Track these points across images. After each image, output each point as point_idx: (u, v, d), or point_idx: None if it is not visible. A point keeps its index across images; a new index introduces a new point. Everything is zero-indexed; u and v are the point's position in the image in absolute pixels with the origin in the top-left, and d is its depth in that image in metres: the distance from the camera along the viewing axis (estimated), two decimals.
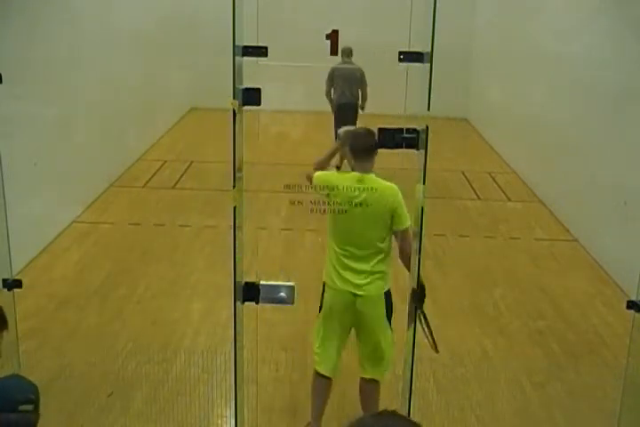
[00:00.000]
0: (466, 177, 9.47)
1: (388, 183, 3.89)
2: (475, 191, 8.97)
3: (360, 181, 3.84)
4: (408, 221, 3.82)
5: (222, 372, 4.64)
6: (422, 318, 3.57)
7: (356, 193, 3.82)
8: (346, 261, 3.89)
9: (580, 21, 7.74)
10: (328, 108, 9.32)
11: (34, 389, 2.49)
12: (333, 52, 3.40)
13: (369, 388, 4.11)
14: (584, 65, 7.47)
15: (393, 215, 3.85)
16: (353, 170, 3.94)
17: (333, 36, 3.39)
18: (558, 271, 6.67)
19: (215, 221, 7.24)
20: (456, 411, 4.49)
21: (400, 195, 3.86)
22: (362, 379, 4.12)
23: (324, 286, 4.02)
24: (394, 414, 1.65)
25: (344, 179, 3.89)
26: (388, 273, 3.98)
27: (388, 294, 3.98)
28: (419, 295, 3.59)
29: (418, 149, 3.16)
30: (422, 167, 3.15)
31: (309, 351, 4.83)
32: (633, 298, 3.73)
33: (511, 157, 10.17)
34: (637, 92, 6.20)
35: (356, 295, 3.89)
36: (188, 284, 6.12)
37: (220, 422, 4.45)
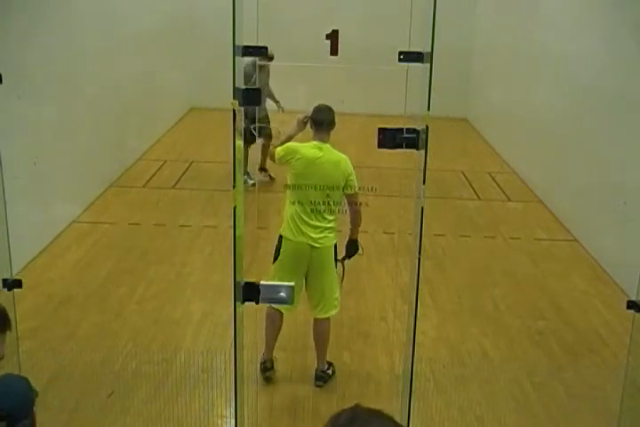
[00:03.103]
0: (466, 177, 9.47)
1: (342, 154, 4.51)
2: (474, 191, 8.97)
3: (319, 148, 4.47)
4: (357, 187, 4.53)
5: (222, 372, 4.64)
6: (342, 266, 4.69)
7: (318, 156, 4.44)
8: (305, 217, 4.48)
9: (580, 21, 7.74)
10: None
11: (18, 400, 2.27)
12: (333, 52, 3.39)
13: (322, 326, 4.66)
14: (584, 65, 7.47)
15: (346, 181, 4.47)
16: (313, 140, 4.53)
17: (333, 36, 3.38)
18: (558, 271, 6.67)
19: (215, 221, 7.24)
20: (456, 411, 4.48)
21: (351, 164, 4.50)
22: (315, 319, 4.68)
23: (280, 238, 4.57)
24: (360, 408, 1.58)
25: (305, 146, 4.51)
26: (336, 228, 4.61)
27: (335, 246, 4.63)
28: (351, 252, 4.73)
29: (418, 149, 3.16)
30: (422, 167, 3.15)
31: (310, 351, 4.85)
32: (633, 298, 3.73)
33: (511, 157, 10.16)
34: (637, 93, 6.20)
35: (312, 247, 4.50)
36: (187, 284, 6.12)
37: (220, 422, 4.44)
